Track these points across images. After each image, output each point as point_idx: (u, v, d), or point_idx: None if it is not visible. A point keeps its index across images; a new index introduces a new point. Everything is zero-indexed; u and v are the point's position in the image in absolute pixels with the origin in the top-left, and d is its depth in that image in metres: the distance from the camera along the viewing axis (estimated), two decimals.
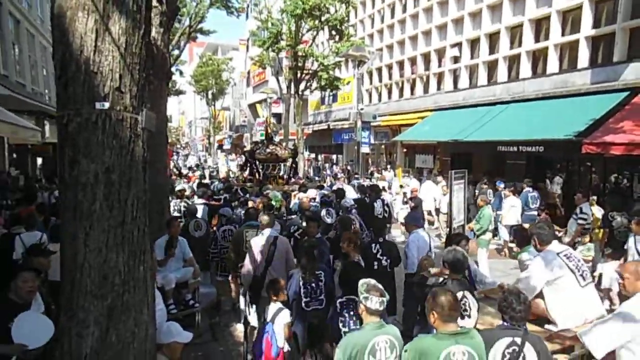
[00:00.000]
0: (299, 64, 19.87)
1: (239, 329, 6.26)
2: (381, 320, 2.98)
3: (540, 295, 3.71)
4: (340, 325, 3.61)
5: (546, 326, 3.64)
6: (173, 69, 26.26)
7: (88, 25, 2.25)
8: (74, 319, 2.31)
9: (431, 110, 16.66)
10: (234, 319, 6.62)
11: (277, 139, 26.04)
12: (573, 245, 7.52)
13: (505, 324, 2.85)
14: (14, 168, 13.83)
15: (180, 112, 75.77)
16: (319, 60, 19.10)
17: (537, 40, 12.79)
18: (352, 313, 3.62)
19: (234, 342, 5.92)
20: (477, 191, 11.68)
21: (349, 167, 21.14)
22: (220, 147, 47.05)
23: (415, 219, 5.97)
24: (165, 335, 3.24)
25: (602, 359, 3.00)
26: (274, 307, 4.15)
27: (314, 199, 9.21)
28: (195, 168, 26.30)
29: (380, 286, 3.03)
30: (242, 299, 5.50)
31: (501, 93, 13.74)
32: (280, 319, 4.05)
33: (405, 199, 11.20)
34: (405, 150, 19.43)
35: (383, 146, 21.60)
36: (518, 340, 2.72)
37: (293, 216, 7.91)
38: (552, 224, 5.10)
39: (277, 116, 31.33)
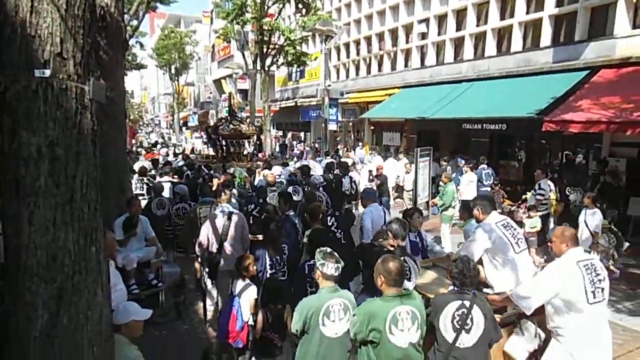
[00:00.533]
0: (265, 38, 19.37)
1: (202, 306, 6.21)
2: (336, 285, 3.20)
3: (480, 262, 3.98)
4: (307, 286, 3.79)
5: (484, 290, 3.89)
6: (133, 41, 25.08)
7: None
8: (20, 301, 2.17)
9: (399, 88, 16.68)
10: (199, 298, 6.54)
11: (243, 115, 25.59)
12: (528, 217, 7.84)
13: (455, 288, 3.09)
14: None
15: (142, 87, 72.98)
16: (285, 35, 18.66)
17: (502, 17, 12.91)
18: None
19: (198, 320, 5.88)
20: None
21: (316, 145, 21.05)
22: (185, 124, 45.84)
23: (369, 194, 6.18)
24: (122, 316, 3.13)
25: (532, 314, 3.33)
26: (241, 282, 4.20)
27: (279, 175, 9.33)
28: (159, 145, 25.60)
29: (335, 254, 3.22)
30: (206, 276, 5.48)
31: (467, 71, 13.88)
32: (247, 294, 4.06)
33: (370, 177, 11.32)
34: (372, 127, 19.48)
35: (351, 124, 21.58)
36: (467, 303, 2.96)
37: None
38: (493, 198, 5.33)
39: (244, 92, 30.67)
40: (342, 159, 12.92)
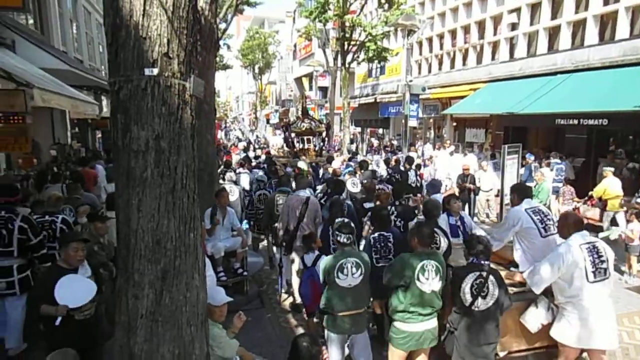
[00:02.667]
0: (347, 35, 19.42)
1: (284, 296, 6.42)
2: (349, 248, 4.03)
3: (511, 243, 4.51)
4: (373, 254, 4.56)
5: (512, 268, 4.41)
6: (221, 42, 26.58)
7: None
8: (130, 281, 2.39)
9: (484, 82, 15.82)
10: (282, 289, 6.78)
11: (323, 112, 25.91)
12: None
13: (475, 261, 3.59)
14: (76, 141, 14.62)
15: (227, 87, 76.96)
16: (367, 31, 18.55)
17: (606, 2, 11.69)
18: (381, 245, 4.64)
19: (280, 310, 6.09)
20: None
21: (394, 142, 20.70)
22: (267, 121, 47.54)
23: (433, 186, 7.25)
24: (220, 296, 3.35)
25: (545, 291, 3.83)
26: (312, 255, 4.89)
27: (339, 168, 10.34)
28: (240, 139, 27.04)
29: (350, 226, 4.09)
30: (276, 251, 6.47)
31: (563, 62, 12.77)
32: (321, 263, 4.35)
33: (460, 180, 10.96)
34: (455, 124, 18.72)
35: (432, 120, 20.93)
36: (484, 274, 3.51)
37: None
38: (529, 187, 5.54)
39: (324, 90, 31.09)
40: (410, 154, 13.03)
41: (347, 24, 18.77)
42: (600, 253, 3.60)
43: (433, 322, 3.69)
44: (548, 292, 3.85)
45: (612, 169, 8.78)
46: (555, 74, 12.83)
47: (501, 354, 3.99)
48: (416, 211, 6.52)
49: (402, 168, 10.07)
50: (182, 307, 2.45)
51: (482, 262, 3.56)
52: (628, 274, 6.94)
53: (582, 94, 11.02)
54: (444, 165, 13.15)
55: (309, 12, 19.76)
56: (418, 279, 3.53)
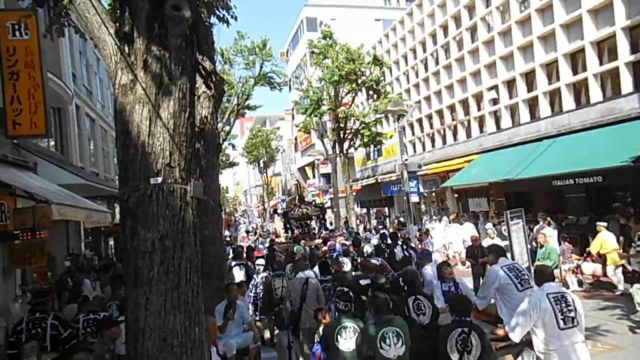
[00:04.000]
0: (341, 125, 20.62)
1: None
2: (347, 315, 4.32)
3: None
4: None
5: (498, 324, 4.66)
6: (226, 143, 28.07)
7: (143, 115, 2.67)
8: None
9: (477, 154, 16.46)
10: None
11: (328, 197, 26.39)
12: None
13: (456, 318, 3.87)
14: (89, 250, 14.98)
15: (235, 182, 79.17)
16: (359, 119, 19.75)
17: (575, 72, 12.60)
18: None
19: None
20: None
21: (401, 219, 20.87)
22: (275, 211, 48.15)
23: (425, 256, 7.88)
24: None
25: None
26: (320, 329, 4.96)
27: (332, 250, 10.94)
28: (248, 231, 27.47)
29: (349, 294, 4.49)
30: (283, 335, 6.45)
31: (546, 128, 13.42)
32: (321, 329, 4.65)
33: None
34: (456, 195, 19.06)
35: (433, 194, 21.32)
36: (466, 329, 3.74)
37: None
38: (502, 248, 6.00)
39: (326, 176, 32.00)
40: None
41: (340, 115, 20.03)
42: (568, 302, 3.88)
43: None
44: (532, 343, 4.09)
45: (605, 224, 9.06)
46: (540, 139, 13.41)
47: None
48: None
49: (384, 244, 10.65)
50: None
51: (464, 318, 3.83)
52: None
53: (570, 155, 11.44)
54: (440, 237, 14.32)
55: (304, 109, 21.22)
56: (381, 347, 3.73)
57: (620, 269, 8.81)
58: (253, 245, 15.37)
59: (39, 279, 9.42)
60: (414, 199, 15.59)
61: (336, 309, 4.48)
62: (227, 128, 20.55)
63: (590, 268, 9.51)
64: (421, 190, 17.90)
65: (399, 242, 9.93)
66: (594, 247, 9.05)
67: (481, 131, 16.77)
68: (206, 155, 6.80)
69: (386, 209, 26.97)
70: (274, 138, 42.98)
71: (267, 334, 7.89)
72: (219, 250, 7.18)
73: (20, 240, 7.00)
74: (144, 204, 2.63)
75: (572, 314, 3.85)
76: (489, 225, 13.17)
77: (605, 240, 8.81)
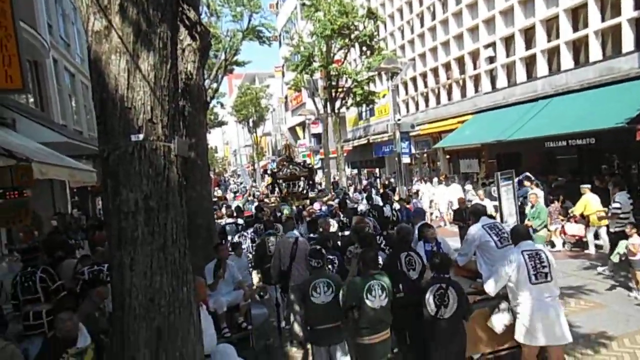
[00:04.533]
0: (333, 83, 20.13)
1: (293, 349, 6.30)
2: (319, 271, 4.59)
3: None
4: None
5: (478, 279, 4.94)
6: (214, 101, 27.43)
7: (120, 66, 2.44)
8: (126, 342, 2.43)
9: (471, 114, 16.27)
10: (288, 339, 6.67)
11: (318, 157, 26.30)
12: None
13: (435, 275, 4.17)
14: (76, 209, 14.81)
15: (224, 142, 78.41)
16: (352, 77, 19.27)
17: (575, 29, 12.26)
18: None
19: None
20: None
21: (391, 180, 20.90)
22: (265, 171, 48.06)
23: (418, 213, 7.80)
24: (222, 356, 3.33)
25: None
26: None
27: (320, 209, 11.66)
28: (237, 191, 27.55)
29: (321, 252, 4.75)
30: (273, 291, 6.75)
31: (543, 87, 13.22)
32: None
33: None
34: (448, 156, 19.01)
35: (425, 155, 21.26)
36: (444, 285, 4.04)
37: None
38: (484, 208, 6.13)
39: (317, 136, 31.70)
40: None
41: (332, 73, 19.51)
42: (542, 259, 4.16)
43: (386, 335, 4.15)
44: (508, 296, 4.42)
45: (589, 186, 9.16)
46: (536, 99, 13.23)
47: (475, 357, 4.64)
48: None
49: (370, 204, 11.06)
50: None
51: (442, 275, 4.12)
52: (637, 290, 6.87)
53: (565, 116, 11.32)
54: (427, 197, 15.19)
55: (295, 65, 20.60)
56: (367, 298, 4.02)
57: (604, 229, 8.93)
58: (242, 205, 15.46)
59: (26, 238, 9.31)
60: (406, 160, 15.54)
61: (309, 266, 4.75)
62: (215, 85, 19.92)
63: (573, 229, 9.69)
64: (413, 151, 17.81)
65: (388, 202, 10.21)
66: (578, 209, 9.18)
67: (476, 91, 16.50)
68: (192, 112, 6.54)
69: (377, 170, 26.95)
70: (264, 96, 42.12)
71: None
72: (207, 209, 7.07)
73: (3, 199, 6.84)
74: (125, 162, 2.46)
75: (546, 270, 4.13)
76: (468, 186, 13.68)
77: (589, 202, 8.91)
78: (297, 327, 5.69)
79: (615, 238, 8.00)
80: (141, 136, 2.46)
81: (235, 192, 26.71)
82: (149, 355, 2.42)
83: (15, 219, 7.22)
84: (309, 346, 5.22)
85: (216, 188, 27.69)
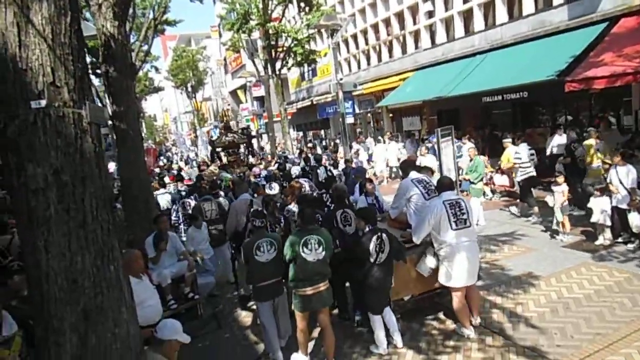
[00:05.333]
0: (272, 43, 19.43)
1: (242, 314, 6.30)
2: (263, 230, 4.85)
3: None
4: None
5: (408, 230, 5.25)
6: (147, 66, 25.72)
7: (8, 19, 2.09)
8: (49, 328, 2.22)
9: (412, 71, 16.40)
10: (236, 305, 6.64)
11: (263, 121, 25.74)
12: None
13: (371, 227, 4.57)
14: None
15: (163, 109, 74.77)
16: (291, 36, 18.67)
17: None
18: None
19: (239, 327, 5.96)
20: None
21: (337, 141, 20.95)
22: (210, 139, 46.60)
23: (359, 171, 9.28)
24: (168, 331, 3.19)
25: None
26: None
27: (259, 174, 12.22)
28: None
29: (262, 212, 5.30)
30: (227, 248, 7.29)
31: (479, 42, 13.49)
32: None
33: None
34: (391, 115, 19.24)
35: (369, 114, 21.39)
36: (379, 234, 4.52)
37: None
38: (414, 162, 7.26)
39: (260, 99, 30.90)
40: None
41: (271, 31, 18.79)
42: (462, 207, 4.61)
43: (324, 286, 4.37)
44: (433, 243, 4.84)
45: (510, 140, 9.61)
46: (474, 54, 13.52)
47: (405, 298, 5.14)
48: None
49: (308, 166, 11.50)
50: (112, 344, 2.31)
51: (374, 225, 4.60)
52: (563, 233, 7.39)
53: (501, 71, 11.68)
54: (365, 156, 16.10)
55: (231, 24, 19.60)
56: (303, 252, 4.27)
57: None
58: (184, 174, 15.37)
59: None
60: (350, 120, 15.52)
61: (252, 227, 4.93)
62: (146, 48, 18.57)
63: (501, 180, 10.40)
64: (357, 110, 17.82)
65: (322, 164, 11.11)
66: (502, 162, 9.69)
67: (416, 47, 16.58)
68: (117, 77, 6.04)
69: (322, 132, 26.88)
70: (201, 59, 40.12)
71: None
72: (143, 179, 6.70)
73: None
74: (27, 134, 2.16)
75: (465, 217, 4.57)
76: (392, 145, 15.04)
77: (510, 155, 9.34)
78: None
79: (525, 185, 8.78)
80: (43, 102, 2.15)
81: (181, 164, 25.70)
82: (76, 340, 2.22)
83: None
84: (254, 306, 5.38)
85: (159, 158, 26.51)
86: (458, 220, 4.54)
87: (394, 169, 14.78)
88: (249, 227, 6.11)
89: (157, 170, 19.13)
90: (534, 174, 8.81)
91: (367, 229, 4.61)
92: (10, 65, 2.11)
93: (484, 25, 13.54)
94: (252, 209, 6.30)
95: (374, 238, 4.48)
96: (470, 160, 9.44)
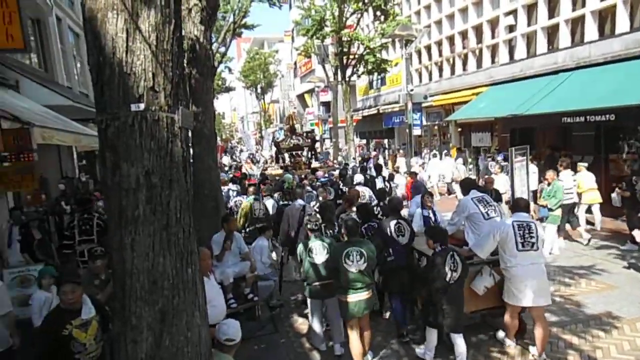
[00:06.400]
0: (345, 50, 19.51)
1: (299, 320, 6.30)
2: (317, 234, 5.13)
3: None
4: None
5: (464, 247, 5.24)
6: (222, 66, 26.86)
7: (118, 26, 2.19)
8: (128, 324, 2.30)
9: (486, 86, 15.72)
10: (294, 311, 6.65)
11: (327, 127, 26.00)
12: None
13: (442, 246, 4.64)
14: (84, 173, 14.73)
15: (232, 108, 77.69)
16: (364, 44, 18.64)
17: None
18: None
19: (294, 334, 5.95)
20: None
21: (401, 150, 20.58)
22: (273, 139, 47.69)
23: (417, 188, 9.63)
24: (221, 333, 3.24)
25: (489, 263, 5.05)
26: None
27: (324, 176, 12.34)
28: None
29: (317, 216, 5.46)
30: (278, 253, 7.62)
31: (564, 60, 12.64)
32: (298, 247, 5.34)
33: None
34: (459, 129, 18.56)
35: (436, 127, 20.81)
36: (451, 252, 4.56)
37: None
38: (474, 181, 6.98)
39: (326, 104, 31.16)
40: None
41: (344, 39, 18.87)
42: (532, 230, 4.64)
43: (365, 295, 4.66)
44: (490, 262, 5.02)
45: (586, 164, 9.38)
46: (557, 72, 12.68)
47: None
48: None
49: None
50: (184, 348, 2.35)
51: (446, 244, 4.68)
52: None
53: (587, 90, 10.86)
54: (434, 170, 15.48)
55: (306, 30, 19.93)
56: (345, 262, 4.57)
57: (597, 206, 9.27)
58: (247, 173, 15.84)
59: (33, 201, 9.27)
60: (417, 131, 15.24)
61: (308, 229, 5.19)
62: (223, 49, 19.40)
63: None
64: (424, 122, 17.42)
65: (382, 174, 11.26)
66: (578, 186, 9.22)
67: (493, 61, 15.88)
68: (199, 78, 6.28)
69: (386, 141, 26.55)
70: (273, 62, 41.25)
71: None
72: (214, 180, 6.92)
73: (9, 163, 6.75)
74: (125, 135, 2.25)
75: (533, 240, 4.60)
76: (447, 160, 14.96)
77: (582, 180, 9.04)
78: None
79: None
80: (142, 106, 2.24)
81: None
82: (151, 339, 2.28)
83: (22, 183, 7.17)
84: (316, 328, 5.39)
85: (223, 154, 27.46)
86: (525, 242, 4.59)
87: (450, 184, 14.74)
88: (300, 231, 6.58)
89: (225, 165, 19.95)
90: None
91: (438, 248, 4.66)
92: (117, 69, 2.21)
93: (571, 42, 12.67)
94: (304, 214, 6.69)
95: (449, 257, 4.56)
96: (549, 184, 8.84)
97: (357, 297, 4.60)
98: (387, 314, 5.99)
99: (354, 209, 6.77)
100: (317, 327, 5.27)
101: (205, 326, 2.54)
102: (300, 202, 7.25)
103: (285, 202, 8.77)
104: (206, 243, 5.86)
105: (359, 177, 11.24)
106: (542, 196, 8.80)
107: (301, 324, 6.21)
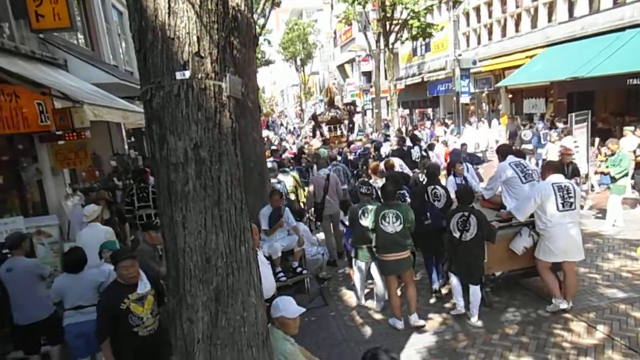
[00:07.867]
0: (387, 15, 18.68)
1: (347, 293, 6.22)
2: (368, 198, 5.50)
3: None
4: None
5: (502, 210, 5.52)
6: (261, 38, 26.53)
7: None
8: (183, 304, 2.21)
9: (541, 47, 14.64)
10: (342, 284, 6.57)
11: (369, 97, 25.46)
12: None
13: (459, 205, 5.01)
14: (133, 150, 15.15)
15: (272, 82, 77.65)
16: (408, 8, 17.71)
17: None
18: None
19: (344, 307, 5.90)
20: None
21: (447, 121, 19.78)
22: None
23: (456, 155, 9.83)
24: (274, 309, 3.14)
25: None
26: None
27: (360, 149, 12.92)
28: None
29: (369, 182, 6.09)
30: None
31: (632, 15, 11.47)
32: (349, 211, 5.77)
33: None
34: (511, 95, 17.54)
35: (484, 94, 19.77)
36: (466, 213, 4.84)
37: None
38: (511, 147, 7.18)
39: (367, 74, 30.36)
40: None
41: (387, 3, 18.03)
42: (570, 191, 4.76)
43: (404, 254, 4.90)
44: (529, 224, 5.11)
45: (633, 128, 8.90)
46: (623, 29, 11.58)
47: (497, 274, 5.35)
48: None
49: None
50: (241, 327, 2.25)
51: (465, 205, 4.92)
52: None
53: None
54: (470, 139, 14.57)
55: None
56: (381, 224, 4.83)
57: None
58: (288, 146, 16.32)
59: (88, 177, 9.63)
60: (465, 99, 14.50)
61: (360, 193, 5.52)
62: (262, 21, 19.06)
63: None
64: (472, 90, 16.57)
65: (417, 144, 11.14)
66: (614, 150, 8.41)
67: (549, 20, 14.69)
68: (241, 49, 6.09)
69: (430, 110, 25.63)
70: (312, 32, 40.43)
71: None
72: (259, 153, 6.82)
73: (64, 140, 6.97)
74: (171, 105, 2.10)
75: (571, 200, 4.74)
76: (483, 127, 14.59)
77: (624, 144, 8.45)
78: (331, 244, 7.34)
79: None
80: (187, 73, 2.07)
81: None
82: (207, 319, 2.19)
83: (76, 160, 7.41)
84: (358, 285, 5.82)
85: (264, 129, 27.59)
86: (565, 203, 4.72)
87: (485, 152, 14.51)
88: (326, 199, 7.21)
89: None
90: None
91: (454, 206, 5.07)
92: (159, 33, 2.05)
93: None
94: (333, 182, 7.32)
95: (457, 216, 4.88)
96: (612, 153, 8.14)
97: (393, 257, 4.87)
98: (418, 274, 6.26)
99: (378, 178, 7.27)
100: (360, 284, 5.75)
101: (261, 306, 2.43)
102: (325, 170, 7.68)
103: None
104: (254, 218, 5.83)
105: (386, 148, 11.86)
106: (607, 164, 8.13)
107: (349, 297, 6.13)
